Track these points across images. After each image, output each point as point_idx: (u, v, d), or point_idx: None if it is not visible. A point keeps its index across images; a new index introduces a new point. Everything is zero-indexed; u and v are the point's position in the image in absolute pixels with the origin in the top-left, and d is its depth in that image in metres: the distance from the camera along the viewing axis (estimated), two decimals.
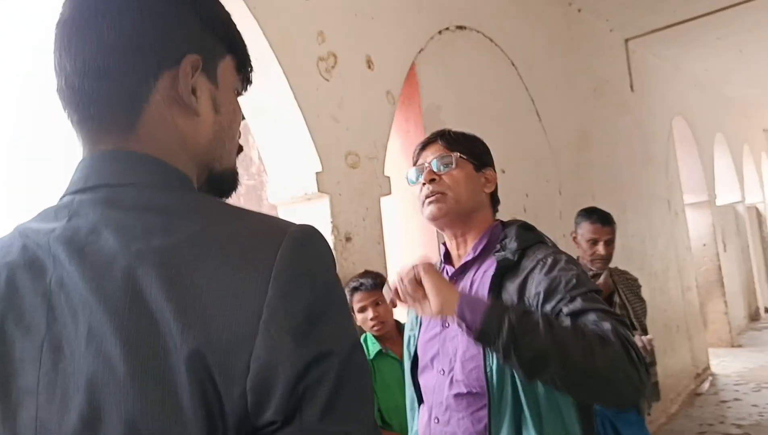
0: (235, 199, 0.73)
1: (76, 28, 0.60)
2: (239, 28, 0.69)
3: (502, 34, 3.69)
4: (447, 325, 1.31)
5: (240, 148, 0.72)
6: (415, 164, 1.42)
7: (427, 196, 1.34)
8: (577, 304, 1.15)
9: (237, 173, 0.71)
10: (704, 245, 7.75)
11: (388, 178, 2.65)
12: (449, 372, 1.28)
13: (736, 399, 5.61)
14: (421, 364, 1.38)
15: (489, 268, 1.30)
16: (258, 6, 2.14)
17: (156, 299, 0.50)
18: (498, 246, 1.32)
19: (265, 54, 2.19)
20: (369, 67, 2.62)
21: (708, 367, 6.60)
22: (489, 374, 1.19)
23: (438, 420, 1.28)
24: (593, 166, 4.71)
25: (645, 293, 2.92)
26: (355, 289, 2.14)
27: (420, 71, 3.05)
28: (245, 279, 0.51)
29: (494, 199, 1.43)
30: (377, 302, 2.12)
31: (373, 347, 2.14)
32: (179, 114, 0.62)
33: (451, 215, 1.34)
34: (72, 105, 0.61)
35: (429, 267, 1.18)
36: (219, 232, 0.54)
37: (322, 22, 2.42)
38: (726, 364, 6.90)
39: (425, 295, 1.17)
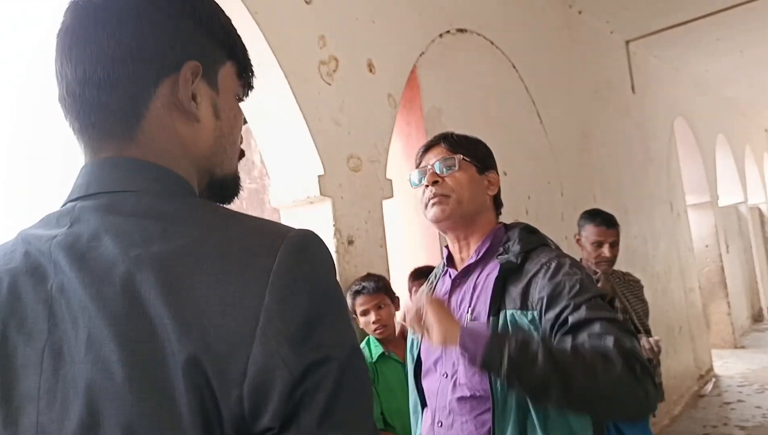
0: (238, 203, 0.73)
1: (77, 37, 0.61)
2: (240, 32, 0.69)
3: (503, 36, 3.69)
4: None
5: (242, 154, 0.72)
6: (417, 166, 1.42)
7: (431, 199, 1.34)
8: (582, 312, 1.15)
9: (239, 178, 0.71)
10: (707, 246, 7.74)
11: (390, 181, 2.65)
12: (452, 375, 1.28)
13: (740, 400, 5.60)
14: (424, 367, 1.38)
15: (492, 271, 1.30)
16: (260, 11, 2.15)
17: (154, 305, 0.50)
18: (501, 249, 1.32)
19: (266, 58, 2.19)
20: (370, 70, 2.63)
21: (711, 369, 6.58)
22: (492, 378, 1.19)
23: (441, 423, 1.28)
24: (595, 167, 4.71)
25: (647, 295, 2.92)
26: (357, 293, 2.13)
27: (421, 74, 3.05)
28: (243, 284, 0.51)
29: (497, 202, 1.43)
30: (380, 305, 2.12)
31: (375, 350, 2.13)
32: (180, 120, 0.62)
33: (455, 218, 1.34)
34: (73, 113, 0.61)
35: (434, 300, 1.20)
36: (218, 237, 0.54)
37: (324, 26, 2.43)
38: (729, 366, 6.89)
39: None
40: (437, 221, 1.35)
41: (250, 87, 0.71)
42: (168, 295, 0.50)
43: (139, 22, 0.60)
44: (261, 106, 2.31)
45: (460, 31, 3.33)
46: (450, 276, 1.40)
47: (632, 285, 2.83)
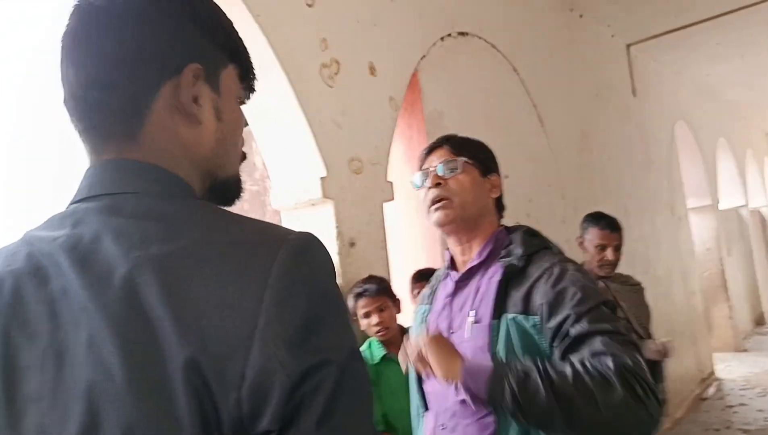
0: (239, 205, 0.73)
1: (79, 40, 0.61)
2: (242, 35, 0.69)
3: (504, 40, 3.70)
4: (453, 331, 1.31)
5: (244, 156, 0.72)
6: (420, 169, 1.42)
7: (433, 201, 1.34)
8: (584, 325, 1.15)
9: (240, 181, 0.71)
10: (708, 250, 7.73)
11: (391, 183, 2.65)
12: None
13: (742, 404, 5.59)
14: None
15: (494, 274, 1.30)
16: (262, 13, 2.15)
17: (154, 306, 0.50)
18: (503, 252, 1.32)
19: (268, 60, 2.20)
20: (372, 73, 2.63)
21: (713, 372, 6.57)
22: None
23: (444, 427, 1.28)
24: (595, 171, 4.71)
25: (649, 298, 2.91)
26: (359, 295, 2.13)
27: (422, 77, 3.06)
28: (242, 287, 0.51)
29: (499, 205, 1.43)
30: (381, 308, 2.12)
31: (378, 352, 2.13)
32: (181, 123, 0.62)
33: (458, 221, 1.34)
34: (77, 115, 0.62)
35: (432, 338, 1.21)
36: (218, 239, 0.54)
37: (325, 29, 2.43)
38: (731, 369, 6.88)
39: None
40: (441, 225, 1.35)
41: (252, 90, 0.71)
42: (168, 296, 0.50)
43: (141, 25, 0.61)
44: (262, 108, 2.31)
45: (462, 34, 3.33)
46: (452, 279, 1.40)
47: (632, 289, 2.82)
